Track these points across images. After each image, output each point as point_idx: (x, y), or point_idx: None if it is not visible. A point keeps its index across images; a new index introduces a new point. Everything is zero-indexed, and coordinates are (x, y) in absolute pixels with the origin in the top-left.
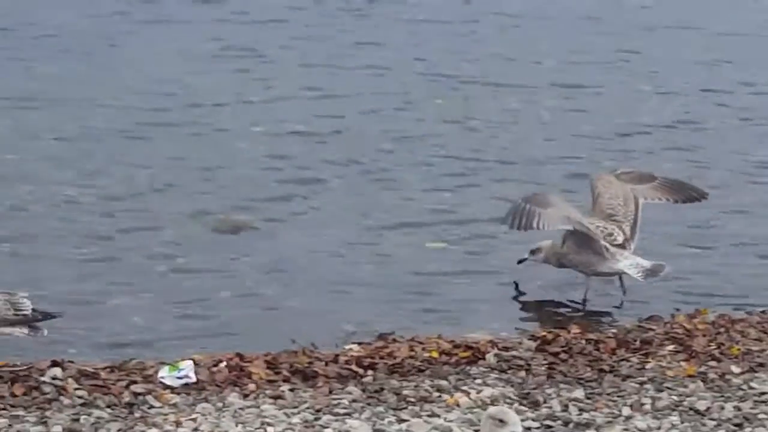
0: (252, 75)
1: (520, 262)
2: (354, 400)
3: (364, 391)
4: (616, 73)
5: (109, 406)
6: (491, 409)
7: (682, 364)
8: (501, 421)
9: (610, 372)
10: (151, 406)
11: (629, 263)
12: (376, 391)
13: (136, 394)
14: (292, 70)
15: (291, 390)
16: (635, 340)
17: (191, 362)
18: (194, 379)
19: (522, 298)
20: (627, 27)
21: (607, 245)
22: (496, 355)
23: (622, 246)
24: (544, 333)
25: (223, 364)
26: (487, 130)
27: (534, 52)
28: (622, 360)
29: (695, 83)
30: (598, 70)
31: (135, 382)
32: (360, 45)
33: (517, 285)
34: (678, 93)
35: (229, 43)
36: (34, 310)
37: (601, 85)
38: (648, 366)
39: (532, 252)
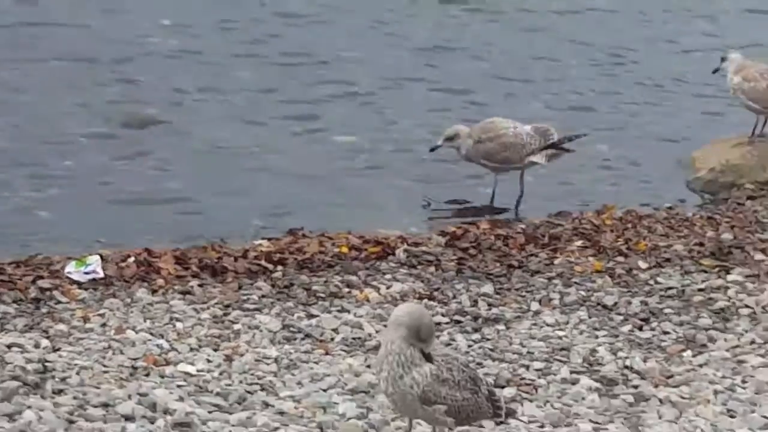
0: None
1: (432, 149)
2: (263, 296)
3: (273, 286)
4: None
5: (15, 302)
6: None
7: (590, 259)
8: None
9: (519, 267)
10: (58, 302)
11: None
12: (285, 287)
13: (42, 290)
14: None
15: (200, 285)
16: (544, 236)
17: (99, 257)
18: (102, 275)
19: (432, 195)
20: None
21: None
22: (405, 250)
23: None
24: (453, 229)
25: (132, 259)
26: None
27: None
28: (531, 255)
29: None
30: None
31: (41, 278)
32: None
33: (429, 202)
34: None
35: None
36: None
37: None
38: (556, 261)
39: (448, 138)
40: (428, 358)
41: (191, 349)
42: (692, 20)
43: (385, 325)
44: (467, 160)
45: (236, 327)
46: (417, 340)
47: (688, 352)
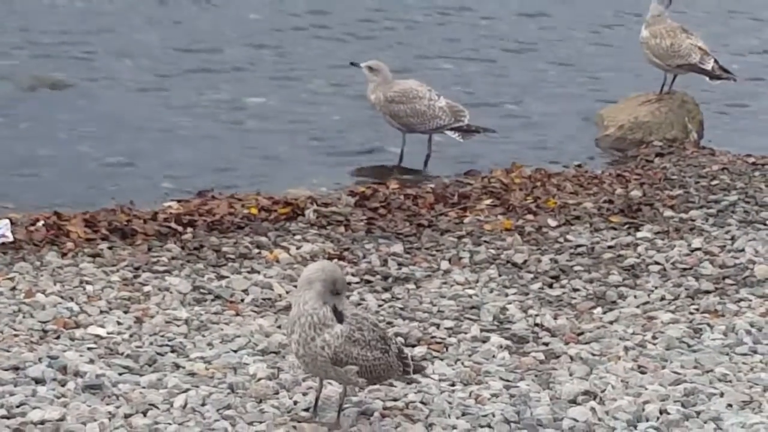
0: None
1: (353, 64)
2: (173, 258)
3: (183, 248)
4: None
5: None
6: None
7: (500, 217)
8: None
9: (429, 227)
10: None
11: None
12: (195, 249)
13: None
14: None
15: (110, 248)
16: (453, 195)
17: (8, 221)
18: (11, 239)
19: (340, 154)
20: None
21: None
22: (315, 210)
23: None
24: (362, 189)
25: (41, 222)
26: None
27: None
28: (441, 215)
29: None
30: None
31: None
32: None
33: None
34: None
35: None
36: None
37: None
38: (466, 220)
39: (370, 68)
40: (339, 317)
41: (101, 312)
42: None
43: (295, 286)
44: (372, 106)
45: (146, 289)
46: (332, 294)
47: (599, 309)
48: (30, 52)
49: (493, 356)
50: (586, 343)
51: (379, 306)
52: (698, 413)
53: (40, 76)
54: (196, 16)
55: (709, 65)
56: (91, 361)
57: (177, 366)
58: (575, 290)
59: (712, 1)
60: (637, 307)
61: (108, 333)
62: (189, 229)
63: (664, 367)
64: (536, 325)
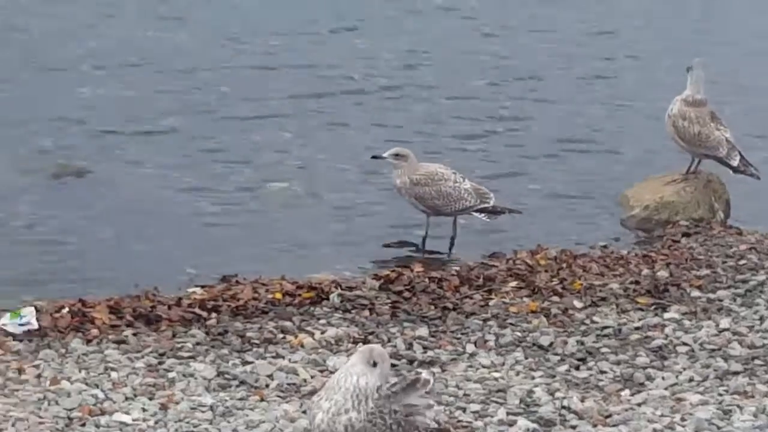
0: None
1: (375, 157)
2: (198, 343)
3: (207, 333)
4: None
5: None
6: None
7: (525, 300)
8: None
9: (454, 309)
10: None
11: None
12: (219, 334)
13: None
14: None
15: (134, 334)
16: (478, 277)
17: (33, 309)
18: (36, 326)
19: (364, 238)
20: None
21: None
22: (339, 294)
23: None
24: (387, 272)
25: (66, 309)
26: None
27: None
28: (466, 297)
29: None
30: None
31: None
32: None
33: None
34: None
35: None
36: None
37: None
38: (491, 303)
39: (396, 155)
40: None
41: (126, 399)
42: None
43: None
44: (397, 191)
45: (171, 375)
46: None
47: (626, 391)
48: (55, 140)
49: None
50: (614, 426)
51: None
52: None
53: (63, 164)
54: (217, 103)
55: (736, 161)
56: None
57: None
58: (602, 372)
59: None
60: (666, 388)
61: (133, 420)
62: (213, 315)
63: None
64: (563, 407)
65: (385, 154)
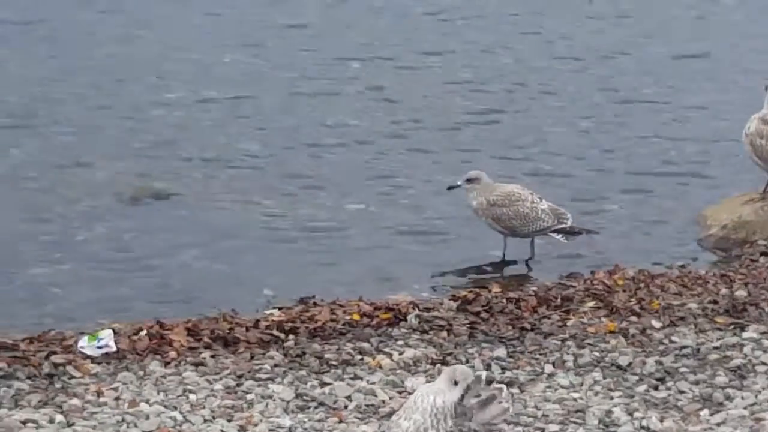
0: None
1: (450, 188)
2: (276, 365)
3: (285, 355)
4: None
5: (29, 378)
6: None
7: (603, 320)
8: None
9: (532, 330)
10: (72, 377)
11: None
12: (297, 356)
13: (56, 365)
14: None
15: (212, 356)
16: (556, 298)
17: (111, 331)
18: (114, 348)
19: (442, 259)
20: None
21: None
22: (417, 316)
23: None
24: (464, 293)
25: (144, 332)
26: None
27: None
28: (544, 317)
29: None
30: None
31: (54, 353)
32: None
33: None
34: None
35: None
36: None
37: None
38: (569, 323)
39: (469, 180)
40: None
41: (205, 421)
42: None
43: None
44: (474, 212)
45: (249, 397)
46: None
47: (705, 411)
48: (131, 162)
49: None
50: None
51: None
52: None
53: (141, 186)
54: (295, 123)
55: None
56: None
57: None
58: (681, 392)
59: None
60: (745, 408)
61: None
62: (291, 336)
63: None
64: (642, 428)
65: (459, 182)
